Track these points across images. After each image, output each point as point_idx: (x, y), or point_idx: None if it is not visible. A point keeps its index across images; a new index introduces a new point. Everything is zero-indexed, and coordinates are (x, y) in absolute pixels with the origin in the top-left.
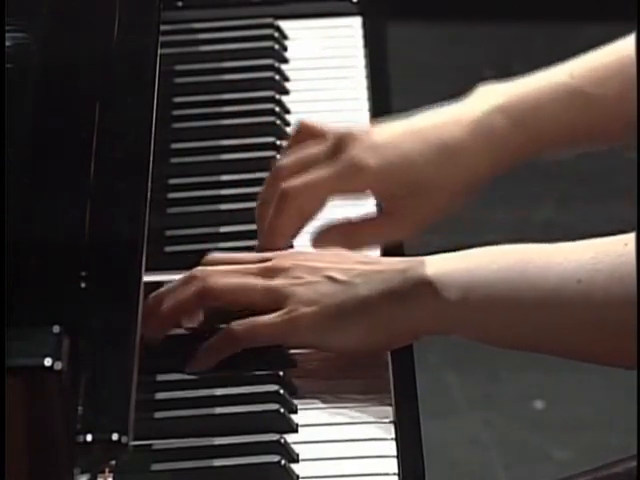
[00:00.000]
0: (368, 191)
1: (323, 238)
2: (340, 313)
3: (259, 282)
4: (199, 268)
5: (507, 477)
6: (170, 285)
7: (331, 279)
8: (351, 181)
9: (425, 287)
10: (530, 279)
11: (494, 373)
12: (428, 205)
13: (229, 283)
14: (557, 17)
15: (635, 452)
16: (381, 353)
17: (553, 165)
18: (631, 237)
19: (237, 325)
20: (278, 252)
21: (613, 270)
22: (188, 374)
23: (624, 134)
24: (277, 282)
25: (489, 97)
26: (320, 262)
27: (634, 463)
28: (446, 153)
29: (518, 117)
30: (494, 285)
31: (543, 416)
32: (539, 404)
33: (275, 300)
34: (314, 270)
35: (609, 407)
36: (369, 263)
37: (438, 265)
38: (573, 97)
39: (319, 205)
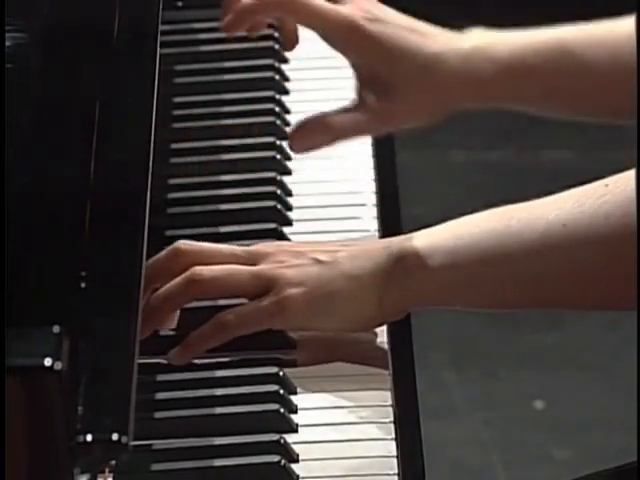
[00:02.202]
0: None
1: (300, 132)
2: (329, 293)
3: (245, 268)
4: (183, 242)
5: (507, 477)
6: (153, 261)
7: (317, 260)
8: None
9: (411, 259)
10: (516, 232)
11: (494, 373)
12: (407, 103)
13: (216, 270)
14: (557, 18)
15: (635, 452)
16: (373, 328)
17: None
18: (611, 179)
19: (227, 313)
20: (260, 243)
21: (597, 209)
22: (179, 365)
23: (606, 104)
24: (263, 267)
25: (479, 38)
26: (303, 247)
27: (634, 466)
28: (432, 61)
29: (501, 62)
30: (480, 244)
31: (543, 416)
32: (539, 404)
33: (263, 284)
34: (298, 254)
35: (609, 407)
36: (352, 245)
37: (421, 237)
38: (564, 55)
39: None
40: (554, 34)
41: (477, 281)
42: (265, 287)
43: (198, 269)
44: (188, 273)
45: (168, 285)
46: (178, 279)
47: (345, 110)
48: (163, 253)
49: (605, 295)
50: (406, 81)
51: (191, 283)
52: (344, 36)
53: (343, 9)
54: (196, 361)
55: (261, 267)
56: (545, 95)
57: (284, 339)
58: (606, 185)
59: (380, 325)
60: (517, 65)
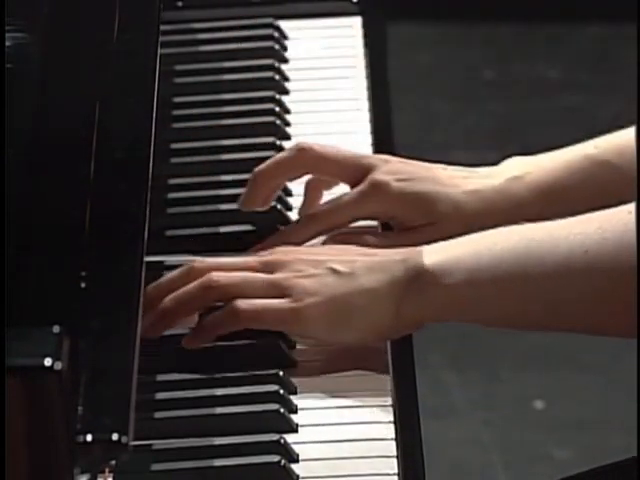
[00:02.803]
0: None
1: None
2: (345, 304)
3: (262, 276)
4: (198, 261)
5: (507, 477)
6: (167, 279)
7: (334, 271)
8: (371, 200)
9: (429, 274)
10: (536, 254)
11: (494, 373)
12: (441, 231)
13: (232, 277)
14: (557, 17)
15: (635, 452)
16: (386, 341)
17: None
18: (633, 206)
19: (243, 303)
20: (277, 248)
21: (620, 238)
22: (187, 351)
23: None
24: (279, 275)
25: (515, 167)
26: (321, 255)
27: (634, 465)
28: (468, 198)
29: (538, 186)
30: (500, 265)
31: (543, 416)
32: (539, 404)
33: (279, 293)
34: (316, 263)
35: (609, 407)
36: (369, 254)
37: (437, 252)
38: (595, 166)
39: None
40: (583, 150)
41: (494, 301)
42: (281, 296)
43: (215, 275)
44: (204, 278)
45: (183, 289)
46: (194, 283)
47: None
48: (176, 271)
49: (624, 324)
50: (440, 219)
51: (207, 288)
52: (373, 198)
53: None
54: (196, 362)
55: (277, 275)
56: (585, 210)
57: (285, 357)
58: (629, 212)
59: (393, 338)
60: (553, 188)
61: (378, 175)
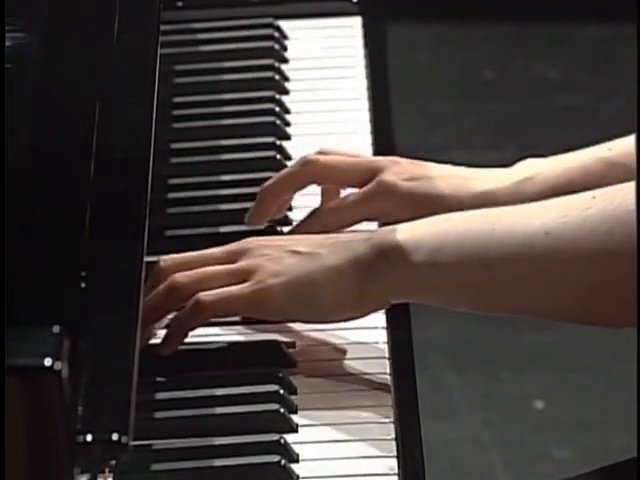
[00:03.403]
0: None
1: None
2: (308, 283)
3: (223, 267)
4: (163, 260)
5: (507, 477)
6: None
7: (296, 252)
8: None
9: (392, 252)
10: (498, 237)
11: (494, 373)
12: None
13: (194, 274)
14: (557, 17)
15: (635, 452)
16: (353, 318)
17: None
18: (599, 191)
19: (205, 294)
20: (237, 242)
21: (582, 222)
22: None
23: None
24: (242, 262)
25: (526, 168)
26: (284, 240)
27: (634, 465)
28: (477, 200)
29: (548, 187)
30: (462, 245)
31: (543, 416)
32: (539, 404)
33: (241, 279)
34: (278, 247)
35: (609, 407)
36: (333, 237)
37: (404, 231)
38: (607, 168)
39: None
40: (597, 152)
41: (457, 282)
42: (244, 281)
43: (177, 276)
44: (167, 282)
45: (150, 295)
46: (158, 288)
47: None
48: (152, 277)
49: (587, 309)
50: None
51: (171, 291)
52: (380, 197)
53: (383, 175)
54: (197, 362)
55: (240, 263)
56: None
57: (285, 357)
58: (593, 197)
59: (358, 317)
60: (565, 190)
61: (386, 175)
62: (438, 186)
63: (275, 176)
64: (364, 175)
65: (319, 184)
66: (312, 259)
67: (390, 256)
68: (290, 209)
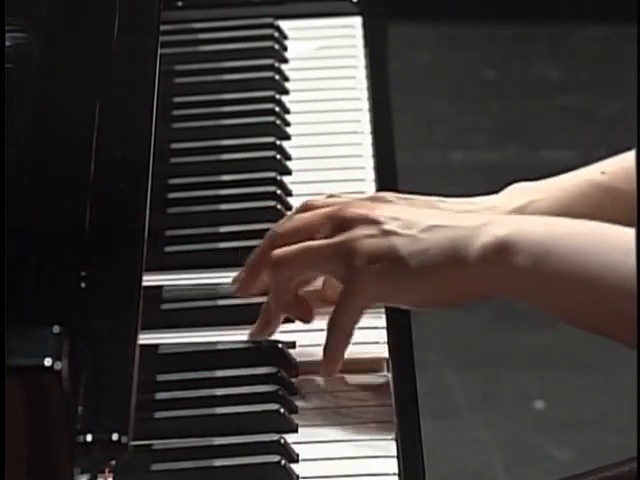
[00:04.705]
0: None
1: None
2: (404, 269)
3: (324, 242)
4: (270, 233)
5: (507, 477)
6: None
7: (395, 233)
8: None
9: (495, 250)
10: (611, 262)
11: (494, 373)
12: None
13: (296, 248)
14: (557, 17)
15: (635, 452)
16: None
17: None
18: None
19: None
20: (335, 200)
21: None
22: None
23: None
24: (342, 238)
25: (519, 195)
26: (383, 215)
27: (634, 465)
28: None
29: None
30: (569, 262)
31: (543, 416)
32: (539, 404)
33: (342, 259)
34: (377, 224)
35: (609, 407)
36: (435, 216)
37: (512, 227)
38: (603, 193)
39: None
40: (590, 175)
41: (555, 293)
42: (342, 260)
43: (276, 252)
44: (270, 261)
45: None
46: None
47: None
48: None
49: None
50: None
51: (275, 269)
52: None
53: None
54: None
55: (340, 238)
56: None
57: (285, 358)
58: None
59: (456, 307)
60: (559, 216)
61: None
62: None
63: (256, 248)
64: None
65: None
66: (411, 242)
67: (492, 254)
68: (290, 209)
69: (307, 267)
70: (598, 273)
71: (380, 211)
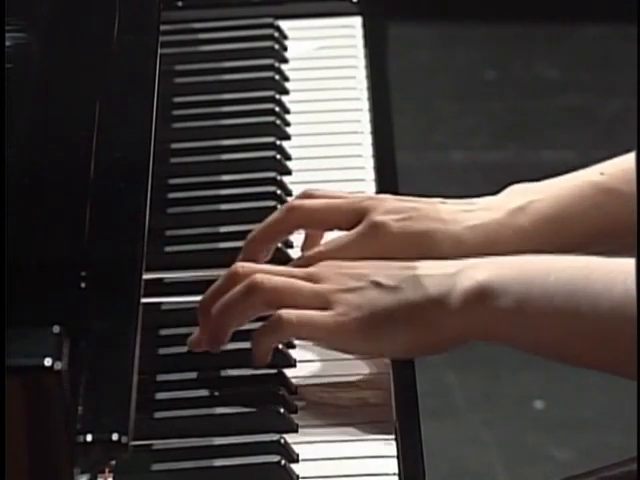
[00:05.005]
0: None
1: None
2: (389, 319)
3: (307, 284)
4: (240, 264)
5: (507, 477)
6: (214, 287)
7: (378, 284)
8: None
9: (477, 294)
10: (592, 294)
11: (494, 373)
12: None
13: (277, 281)
14: (557, 17)
15: (635, 452)
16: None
17: None
18: None
19: (287, 314)
20: (320, 263)
21: None
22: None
23: None
24: (325, 286)
25: (518, 196)
26: (364, 269)
27: (634, 465)
28: (470, 235)
29: (542, 216)
30: (553, 297)
31: (543, 416)
32: (539, 404)
33: (322, 304)
34: (359, 276)
35: (609, 407)
36: (415, 268)
37: (491, 271)
38: (602, 194)
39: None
40: (589, 177)
41: (539, 333)
42: (325, 307)
43: (259, 276)
44: (248, 281)
45: (229, 294)
46: (239, 287)
47: None
48: (221, 278)
49: None
50: (440, 257)
51: (251, 290)
52: (373, 239)
53: (373, 215)
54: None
55: (322, 286)
56: (592, 240)
57: (285, 357)
58: None
59: (437, 354)
60: (558, 219)
61: (376, 216)
62: (430, 223)
63: (260, 225)
64: (351, 217)
65: (305, 229)
66: (394, 293)
67: (473, 298)
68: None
69: (286, 302)
70: (585, 303)
71: (360, 268)
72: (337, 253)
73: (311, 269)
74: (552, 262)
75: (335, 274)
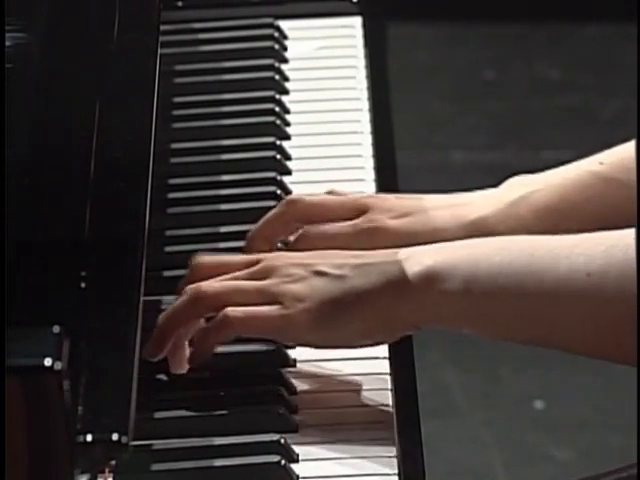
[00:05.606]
0: None
1: None
2: (336, 308)
3: (250, 283)
4: (194, 260)
5: (507, 477)
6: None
7: (324, 274)
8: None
9: (425, 278)
10: (536, 271)
11: (494, 373)
12: None
13: (221, 286)
14: (557, 17)
15: (635, 452)
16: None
17: None
18: None
19: (233, 311)
20: (265, 254)
21: (626, 265)
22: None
23: None
24: (269, 281)
25: (519, 187)
26: (310, 259)
27: (633, 470)
28: (471, 229)
29: (543, 206)
30: (497, 277)
31: (543, 416)
32: (539, 404)
33: (269, 299)
34: (305, 266)
35: (609, 407)
36: (361, 256)
37: (438, 255)
38: (602, 183)
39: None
40: (588, 166)
41: (488, 314)
42: (272, 302)
43: (203, 285)
44: (192, 291)
45: (174, 305)
46: (182, 298)
47: None
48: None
49: (622, 348)
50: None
51: (196, 300)
52: (367, 236)
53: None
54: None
55: (267, 282)
56: (593, 229)
57: (285, 357)
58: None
59: (388, 342)
60: (558, 208)
61: (374, 214)
62: (429, 220)
63: (260, 220)
64: (351, 213)
65: (305, 224)
66: (340, 282)
67: (421, 282)
68: None
69: (230, 304)
70: (530, 280)
71: (305, 258)
72: (332, 243)
73: (255, 267)
74: (499, 242)
75: (279, 266)
